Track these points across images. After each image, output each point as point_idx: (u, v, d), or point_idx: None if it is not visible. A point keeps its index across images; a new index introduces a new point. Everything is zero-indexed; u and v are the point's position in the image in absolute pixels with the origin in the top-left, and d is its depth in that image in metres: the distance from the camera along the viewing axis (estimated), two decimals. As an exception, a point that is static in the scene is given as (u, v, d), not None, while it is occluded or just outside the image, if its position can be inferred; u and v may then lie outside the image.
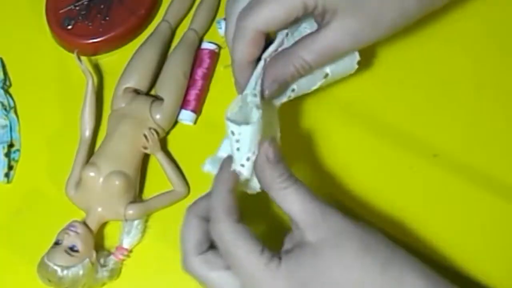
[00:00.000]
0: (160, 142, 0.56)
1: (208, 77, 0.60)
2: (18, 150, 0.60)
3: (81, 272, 0.51)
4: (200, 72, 0.60)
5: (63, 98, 0.62)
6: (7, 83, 0.62)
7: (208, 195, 0.45)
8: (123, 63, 0.60)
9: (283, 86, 0.48)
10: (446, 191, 0.54)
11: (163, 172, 0.56)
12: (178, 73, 0.58)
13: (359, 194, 0.54)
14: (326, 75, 0.50)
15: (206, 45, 0.61)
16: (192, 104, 0.59)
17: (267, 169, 0.43)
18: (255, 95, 0.46)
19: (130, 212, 0.54)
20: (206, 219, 0.44)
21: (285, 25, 0.47)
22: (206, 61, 0.60)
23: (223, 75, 0.60)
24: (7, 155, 0.59)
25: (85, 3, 0.62)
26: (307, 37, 0.47)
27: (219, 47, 0.61)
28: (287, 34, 0.49)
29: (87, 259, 0.52)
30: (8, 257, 0.57)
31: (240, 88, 0.49)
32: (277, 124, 0.50)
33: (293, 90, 0.50)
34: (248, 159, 0.44)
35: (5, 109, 0.60)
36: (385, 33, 0.47)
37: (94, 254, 0.53)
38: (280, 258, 0.41)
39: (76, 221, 0.53)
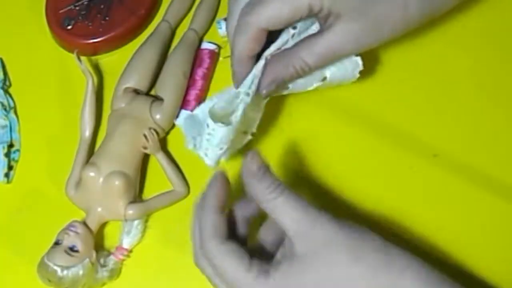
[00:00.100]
0: (160, 142, 0.56)
1: (208, 77, 0.60)
2: (18, 150, 0.60)
3: (81, 272, 0.51)
4: (200, 72, 0.60)
5: (63, 98, 0.62)
6: (7, 83, 0.62)
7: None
8: (123, 63, 0.60)
9: (281, 86, 0.48)
10: (446, 191, 0.54)
11: (163, 172, 0.56)
12: (178, 73, 0.58)
13: (359, 194, 0.54)
14: (324, 78, 0.50)
15: (206, 45, 0.61)
16: (192, 104, 0.59)
17: (253, 183, 0.43)
18: (247, 94, 0.46)
19: (130, 212, 0.54)
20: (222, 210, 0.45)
21: (288, 25, 0.47)
22: (206, 61, 0.60)
23: (223, 75, 0.60)
24: (7, 155, 0.59)
25: (85, 3, 0.62)
26: (309, 39, 0.47)
27: (219, 47, 0.61)
28: (293, 35, 0.48)
29: (87, 259, 0.52)
30: (8, 257, 0.57)
31: (237, 81, 0.49)
32: (257, 119, 0.50)
33: (287, 88, 0.50)
34: (213, 151, 0.45)
35: (5, 109, 0.60)
36: (386, 39, 0.48)
37: (94, 254, 0.53)
38: (268, 272, 0.42)
39: (76, 221, 0.53)
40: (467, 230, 0.53)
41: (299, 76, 0.48)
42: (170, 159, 0.57)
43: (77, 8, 0.62)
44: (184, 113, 0.58)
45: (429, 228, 0.53)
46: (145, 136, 0.55)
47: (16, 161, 0.60)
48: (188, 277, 0.54)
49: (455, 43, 0.59)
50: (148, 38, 0.61)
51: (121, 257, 0.54)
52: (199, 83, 0.59)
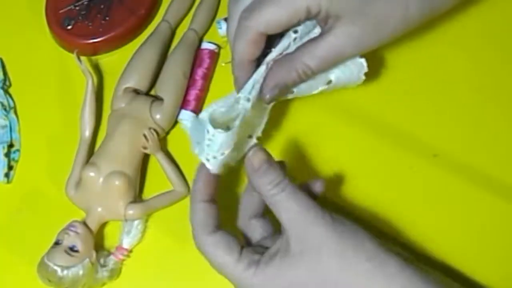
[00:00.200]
0: (160, 142, 0.56)
1: (208, 77, 0.60)
2: (18, 150, 0.60)
3: (81, 272, 0.51)
4: (200, 72, 0.60)
5: (63, 98, 0.62)
6: (7, 83, 0.62)
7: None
8: (123, 63, 0.60)
9: (284, 91, 0.48)
10: (446, 191, 0.54)
11: (163, 172, 0.56)
12: (178, 73, 0.58)
13: (359, 194, 0.54)
14: (330, 81, 0.50)
15: (206, 45, 0.61)
16: (192, 104, 0.59)
17: (255, 178, 0.44)
18: (248, 100, 0.46)
19: (130, 212, 0.54)
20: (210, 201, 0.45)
21: (287, 28, 0.47)
22: (206, 61, 0.60)
23: (223, 75, 0.60)
24: (7, 155, 0.59)
25: (85, 3, 0.62)
26: (310, 43, 0.47)
27: (219, 47, 0.61)
28: (295, 39, 0.48)
29: (87, 259, 0.52)
30: (8, 257, 0.57)
31: (239, 86, 0.49)
32: (263, 123, 0.50)
33: (291, 92, 0.49)
34: (214, 157, 0.45)
35: (5, 109, 0.60)
36: (387, 39, 0.47)
37: (94, 254, 0.53)
38: (258, 264, 0.43)
39: (76, 221, 0.53)
40: (467, 230, 0.53)
41: (302, 80, 0.48)
42: (170, 159, 0.57)
43: (77, 8, 0.62)
44: (189, 115, 0.58)
45: (429, 228, 0.53)
46: (145, 136, 0.55)
47: (16, 161, 0.60)
48: (188, 277, 0.54)
49: (455, 44, 0.59)
50: (148, 38, 0.61)
51: (121, 257, 0.54)
52: (199, 83, 0.59)
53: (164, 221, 0.56)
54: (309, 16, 0.46)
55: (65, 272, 0.51)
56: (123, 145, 0.55)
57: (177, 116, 0.58)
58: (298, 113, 0.57)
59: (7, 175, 0.59)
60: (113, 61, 0.62)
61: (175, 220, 0.56)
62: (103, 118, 0.59)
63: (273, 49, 0.48)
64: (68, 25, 0.62)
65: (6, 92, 0.62)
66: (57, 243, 0.52)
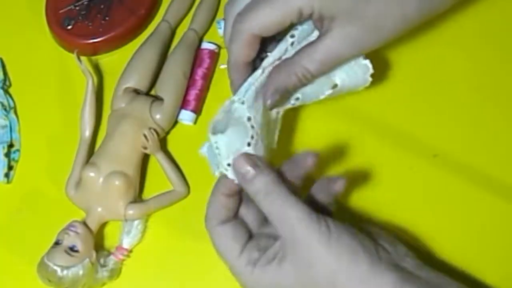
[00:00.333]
0: (160, 142, 0.56)
1: (208, 77, 0.60)
2: (18, 150, 0.60)
3: (81, 272, 0.51)
4: (200, 72, 0.60)
5: (63, 98, 0.62)
6: (7, 83, 0.62)
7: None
8: (123, 63, 0.60)
9: (285, 96, 0.48)
10: (446, 191, 0.54)
11: (163, 172, 0.56)
12: (178, 73, 0.58)
13: (359, 194, 0.54)
14: (335, 85, 0.49)
15: (206, 45, 0.61)
16: (192, 104, 0.59)
17: (245, 186, 0.44)
18: (242, 102, 0.45)
19: (130, 212, 0.54)
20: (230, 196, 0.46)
21: (280, 30, 0.47)
22: (206, 61, 0.60)
23: (223, 75, 0.60)
24: (7, 155, 0.59)
25: (85, 3, 0.62)
26: (309, 46, 0.47)
27: (219, 47, 0.61)
28: (292, 43, 0.48)
29: (87, 259, 0.52)
30: (8, 257, 0.57)
31: (235, 89, 0.49)
32: (276, 131, 0.50)
33: (297, 99, 0.49)
34: (228, 164, 0.45)
35: (5, 109, 0.60)
36: (386, 39, 0.47)
37: (94, 254, 0.53)
38: (255, 265, 0.43)
39: (76, 221, 0.53)
40: (467, 230, 0.53)
41: (302, 84, 0.47)
42: (170, 159, 0.57)
43: (77, 8, 0.62)
44: (190, 115, 0.58)
45: (429, 228, 0.53)
46: (145, 136, 0.55)
47: (16, 161, 0.60)
48: (188, 277, 0.54)
49: (454, 44, 0.59)
50: (148, 38, 0.61)
51: (121, 257, 0.54)
52: (199, 83, 0.59)
53: (164, 221, 0.56)
54: (302, 18, 0.46)
55: (65, 272, 0.51)
56: (123, 145, 0.55)
57: (177, 116, 0.58)
58: (297, 113, 0.57)
59: (7, 175, 0.59)
60: (113, 61, 0.62)
61: (175, 220, 0.56)
62: (103, 118, 0.59)
63: (269, 54, 0.48)
64: (68, 25, 0.62)
65: (6, 92, 0.62)
66: (57, 243, 0.52)
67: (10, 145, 0.59)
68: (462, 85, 0.57)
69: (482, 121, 0.56)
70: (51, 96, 0.62)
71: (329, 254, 0.41)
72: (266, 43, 0.49)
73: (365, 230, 0.45)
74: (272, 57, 0.48)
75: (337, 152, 0.56)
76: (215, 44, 0.61)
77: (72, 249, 0.52)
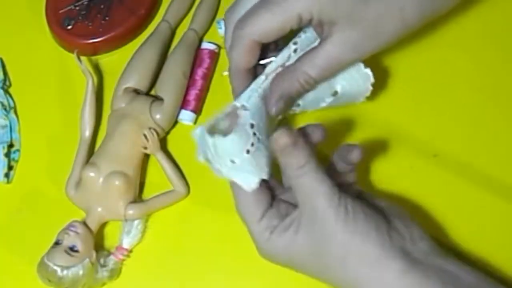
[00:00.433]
0: (160, 142, 0.56)
1: (208, 77, 0.60)
2: (18, 150, 0.60)
3: (81, 272, 0.51)
4: (200, 72, 0.60)
5: (63, 98, 0.62)
6: (7, 83, 0.62)
7: None
8: (123, 63, 0.60)
9: (289, 103, 0.48)
10: (446, 191, 0.54)
11: (163, 172, 0.56)
12: (178, 73, 0.58)
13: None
14: (335, 92, 0.50)
15: (206, 45, 0.61)
16: (192, 104, 0.59)
17: (281, 158, 0.45)
18: (245, 108, 0.45)
19: (130, 212, 0.54)
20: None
21: (280, 36, 0.47)
22: (206, 61, 0.60)
23: (223, 76, 0.60)
24: (7, 155, 0.59)
25: (85, 3, 0.62)
26: (310, 52, 0.47)
27: (219, 47, 0.61)
28: (295, 50, 0.48)
29: (87, 259, 0.52)
30: (8, 257, 0.57)
31: (236, 95, 0.49)
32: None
33: (298, 105, 0.49)
34: (226, 165, 0.45)
35: (5, 109, 0.60)
36: (386, 43, 0.47)
37: (94, 254, 0.53)
38: (273, 232, 0.45)
39: (76, 221, 0.53)
40: (467, 230, 0.53)
41: (305, 90, 0.48)
42: (170, 159, 0.57)
43: (77, 8, 0.62)
44: (190, 115, 0.58)
45: (428, 228, 0.53)
46: (145, 136, 0.55)
47: (16, 161, 0.60)
48: (188, 277, 0.54)
49: (455, 44, 0.59)
50: (148, 38, 0.61)
51: (121, 257, 0.54)
52: (199, 83, 0.59)
53: (164, 221, 0.56)
54: (302, 23, 0.46)
55: (65, 272, 0.51)
56: (123, 145, 0.55)
57: (177, 116, 0.58)
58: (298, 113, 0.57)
59: (7, 175, 0.59)
60: (113, 61, 0.62)
61: (175, 220, 0.56)
62: (103, 118, 0.59)
63: (273, 60, 0.48)
64: (68, 25, 0.62)
65: (6, 92, 0.62)
66: (57, 243, 0.52)
67: (10, 145, 0.59)
68: (462, 85, 0.57)
69: (482, 121, 0.56)
70: (51, 96, 0.62)
71: (344, 233, 0.43)
72: (266, 50, 0.49)
73: (382, 209, 0.46)
74: (275, 64, 0.48)
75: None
76: (215, 44, 0.61)
77: (72, 249, 0.52)
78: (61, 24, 0.62)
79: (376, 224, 0.43)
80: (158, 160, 0.56)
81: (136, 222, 0.54)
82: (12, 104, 0.61)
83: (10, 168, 0.59)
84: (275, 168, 0.47)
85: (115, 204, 0.54)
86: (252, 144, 0.45)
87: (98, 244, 0.55)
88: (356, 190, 0.49)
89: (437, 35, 0.59)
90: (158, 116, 0.57)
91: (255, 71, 0.49)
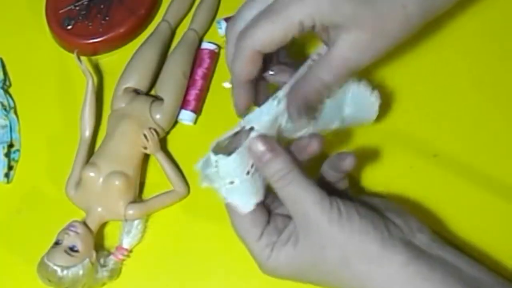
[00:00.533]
0: (160, 142, 0.56)
1: (208, 77, 0.60)
2: (18, 150, 0.60)
3: (81, 272, 0.51)
4: (200, 72, 0.60)
5: (63, 98, 0.62)
6: (7, 83, 0.62)
7: None
8: (123, 63, 0.60)
9: (309, 111, 0.47)
10: (446, 191, 0.54)
11: (163, 172, 0.56)
12: (178, 73, 0.58)
13: (359, 194, 0.54)
14: (343, 117, 0.50)
15: (206, 45, 0.61)
16: (192, 104, 0.59)
17: (260, 168, 0.45)
18: (253, 129, 0.45)
19: (130, 212, 0.54)
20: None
21: (282, 45, 0.46)
22: (206, 61, 0.60)
23: (223, 75, 0.60)
24: (7, 155, 0.59)
25: (85, 3, 0.62)
26: (321, 59, 0.46)
27: (219, 47, 0.61)
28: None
29: (87, 259, 0.52)
30: (8, 257, 0.57)
31: (237, 107, 0.49)
32: None
33: (314, 118, 0.48)
34: (225, 185, 0.45)
35: (5, 109, 0.60)
36: (395, 42, 0.46)
37: (94, 254, 0.53)
38: (273, 249, 0.45)
39: (76, 221, 0.53)
40: (467, 230, 0.53)
41: (322, 96, 0.47)
42: (170, 159, 0.57)
43: (77, 8, 0.62)
44: (189, 115, 0.58)
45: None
46: (145, 136, 0.55)
47: (16, 161, 0.60)
48: (188, 277, 0.54)
49: (455, 44, 0.59)
50: (148, 38, 0.61)
51: (121, 257, 0.54)
52: (199, 83, 0.59)
53: (164, 221, 0.56)
54: (304, 30, 0.45)
55: (65, 272, 0.51)
56: (123, 145, 0.55)
57: (177, 116, 0.58)
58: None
59: (7, 175, 0.59)
60: (113, 61, 0.62)
61: (175, 220, 0.56)
62: (103, 118, 0.59)
63: (286, 84, 0.47)
64: (68, 25, 0.62)
65: (6, 92, 0.62)
66: (57, 243, 0.52)
67: (10, 145, 0.59)
68: (462, 85, 0.57)
69: (482, 121, 0.56)
70: (51, 96, 0.62)
71: (340, 235, 0.43)
72: (267, 61, 0.49)
73: (376, 206, 0.46)
74: (288, 85, 0.47)
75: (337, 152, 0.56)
76: (215, 44, 0.61)
77: (72, 249, 0.52)
78: (61, 24, 0.62)
79: (372, 220, 0.43)
80: (158, 160, 0.56)
81: (136, 222, 0.54)
82: (12, 104, 0.61)
83: (10, 168, 0.59)
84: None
85: (115, 204, 0.54)
86: (252, 166, 0.45)
87: (98, 244, 0.55)
88: (348, 196, 0.48)
89: (437, 35, 0.59)
90: (158, 116, 0.57)
91: (257, 84, 0.49)
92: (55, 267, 0.51)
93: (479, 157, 0.55)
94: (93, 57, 0.63)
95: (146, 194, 0.57)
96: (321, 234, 0.43)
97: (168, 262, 0.55)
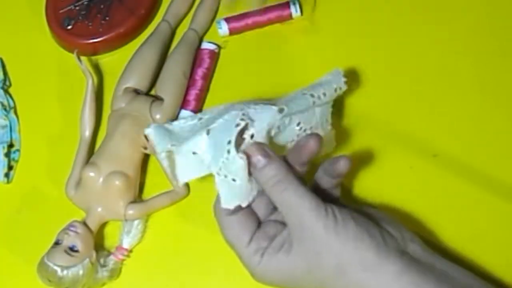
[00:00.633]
0: (160, 142, 0.56)
1: (208, 77, 0.60)
2: (18, 150, 0.60)
3: (81, 272, 0.51)
4: (200, 72, 0.60)
5: (63, 98, 0.62)
6: (7, 83, 0.62)
7: None
8: (123, 63, 0.60)
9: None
10: (446, 191, 0.54)
11: (163, 172, 0.56)
12: (178, 73, 0.58)
13: (359, 194, 0.54)
14: (312, 95, 0.48)
15: (206, 45, 0.61)
16: (192, 104, 0.59)
17: (255, 174, 0.44)
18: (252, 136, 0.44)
19: (130, 212, 0.54)
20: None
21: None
22: (206, 61, 0.60)
23: (223, 75, 0.60)
24: (7, 155, 0.59)
25: (85, 3, 0.62)
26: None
27: (219, 47, 0.61)
28: (278, 127, 0.46)
29: (87, 259, 0.52)
30: (8, 257, 0.57)
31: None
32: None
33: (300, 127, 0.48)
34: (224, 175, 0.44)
35: (5, 109, 0.60)
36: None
37: (94, 254, 0.53)
38: (263, 255, 0.44)
39: (76, 221, 0.53)
40: (467, 230, 0.53)
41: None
42: (170, 159, 0.57)
43: (77, 8, 0.62)
44: (189, 115, 0.58)
45: (428, 228, 0.53)
46: (145, 136, 0.55)
47: (16, 161, 0.60)
48: (188, 277, 0.54)
49: (455, 44, 0.59)
50: (148, 38, 0.61)
51: (121, 257, 0.54)
52: (199, 83, 0.59)
53: (164, 221, 0.56)
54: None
55: (65, 272, 0.51)
56: (123, 145, 0.55)
57: (177, 116, 0.58)
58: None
59: (7, 175, 0.59)
60: (113, 61, 0.62)
61: (175, 220, 0.56)
62: (103, 118, 0.59)
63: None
64: (68, 25, 0.62)
65: (6, 92, 0.62)
66: (57, 243, 0.52)
67: (10, 145, 0.59)
68: (462, 85, 0.57)
69: (482, 121, 0.56)
70: (51, 96, 0.62)
71: (336, 242, 0.42)
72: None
73: (370, 215, 0.45)
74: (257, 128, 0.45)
75: (337, 152, 0.56)
76: (215, 44, 0.61)
77: (72, 249, 0.52)
78: (61, 24, 0.62)
79: (367, 228, 0.43)
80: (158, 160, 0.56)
81: (136, 222, 0.54)
82: (12, 104, 0.61)
83: (10, 168, 0.59)
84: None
85: (115, 204, 0.54)
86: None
87: (98, 244, 0.55)
88: (342, 204, 0.47)
89: (437, 36, 0.59)
90: (158, 116, 0.57)
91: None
92: (55, 267, 0.51)
93: (479, 157, 0.55)
94: (93, 57, 0.63)
95: (146, 194, 0.57)
96: (316, 241, 0.42)
97: (168, 262, 0.55)
